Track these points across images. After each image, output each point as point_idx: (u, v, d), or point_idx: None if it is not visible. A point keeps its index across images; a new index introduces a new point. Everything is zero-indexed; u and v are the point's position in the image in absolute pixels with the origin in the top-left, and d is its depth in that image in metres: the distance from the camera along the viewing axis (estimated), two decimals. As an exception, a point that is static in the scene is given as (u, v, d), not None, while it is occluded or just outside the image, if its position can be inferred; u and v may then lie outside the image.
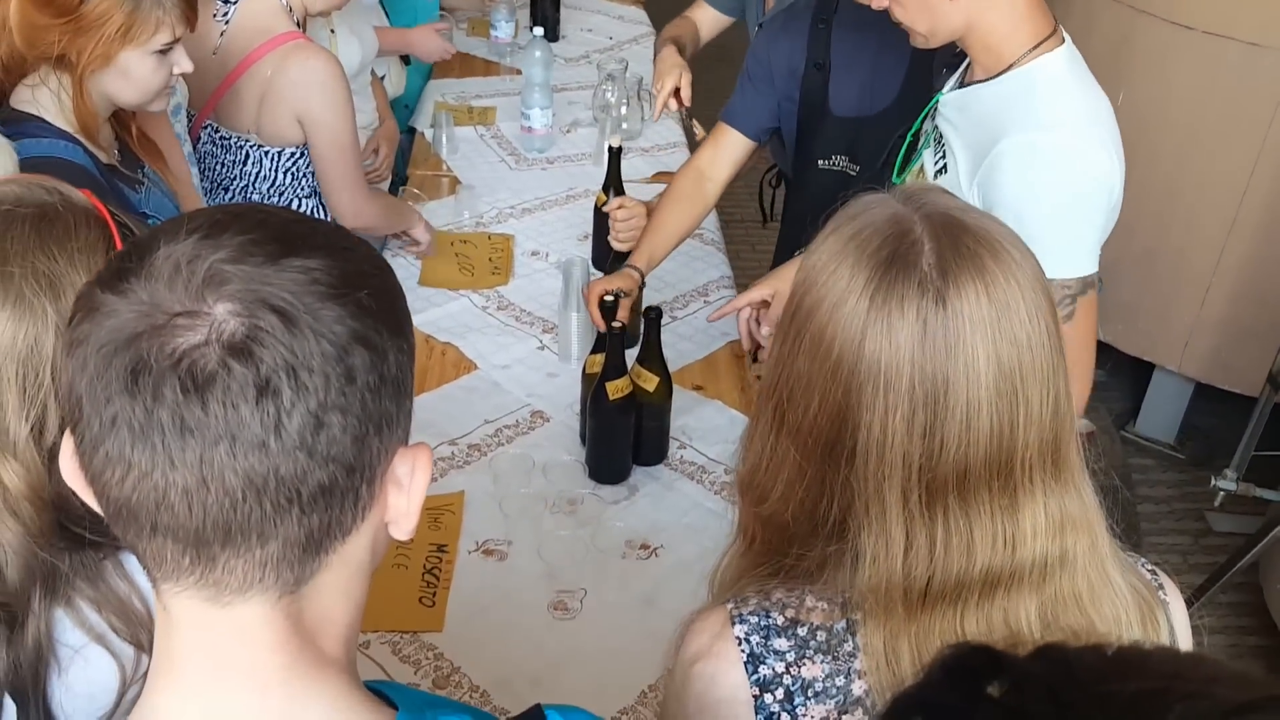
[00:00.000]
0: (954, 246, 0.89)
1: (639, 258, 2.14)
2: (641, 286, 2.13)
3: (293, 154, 2.29)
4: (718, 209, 2.45)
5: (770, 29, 2.22)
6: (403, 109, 3.32)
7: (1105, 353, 3.65)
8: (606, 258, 2.32)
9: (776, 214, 2.63)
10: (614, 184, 2.41)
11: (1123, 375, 3.79)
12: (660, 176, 2.96)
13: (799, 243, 2.12)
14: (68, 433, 0.67)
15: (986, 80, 1.54)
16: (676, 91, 2.57)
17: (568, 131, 3.18)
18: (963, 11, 1.49)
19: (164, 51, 1.68)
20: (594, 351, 1.96)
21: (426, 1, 3.53)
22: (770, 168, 2.72)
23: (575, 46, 3.84)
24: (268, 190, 2.32)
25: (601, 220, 2.46)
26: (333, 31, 2.58)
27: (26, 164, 1.43)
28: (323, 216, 2.35)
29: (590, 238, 2.55)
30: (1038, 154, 1.46)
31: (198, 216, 0.68)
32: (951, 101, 1.61)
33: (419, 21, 3.41)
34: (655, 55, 2.76)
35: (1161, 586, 1.03)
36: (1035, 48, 1.49)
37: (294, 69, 2.16)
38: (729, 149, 2.21)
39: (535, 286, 2.45)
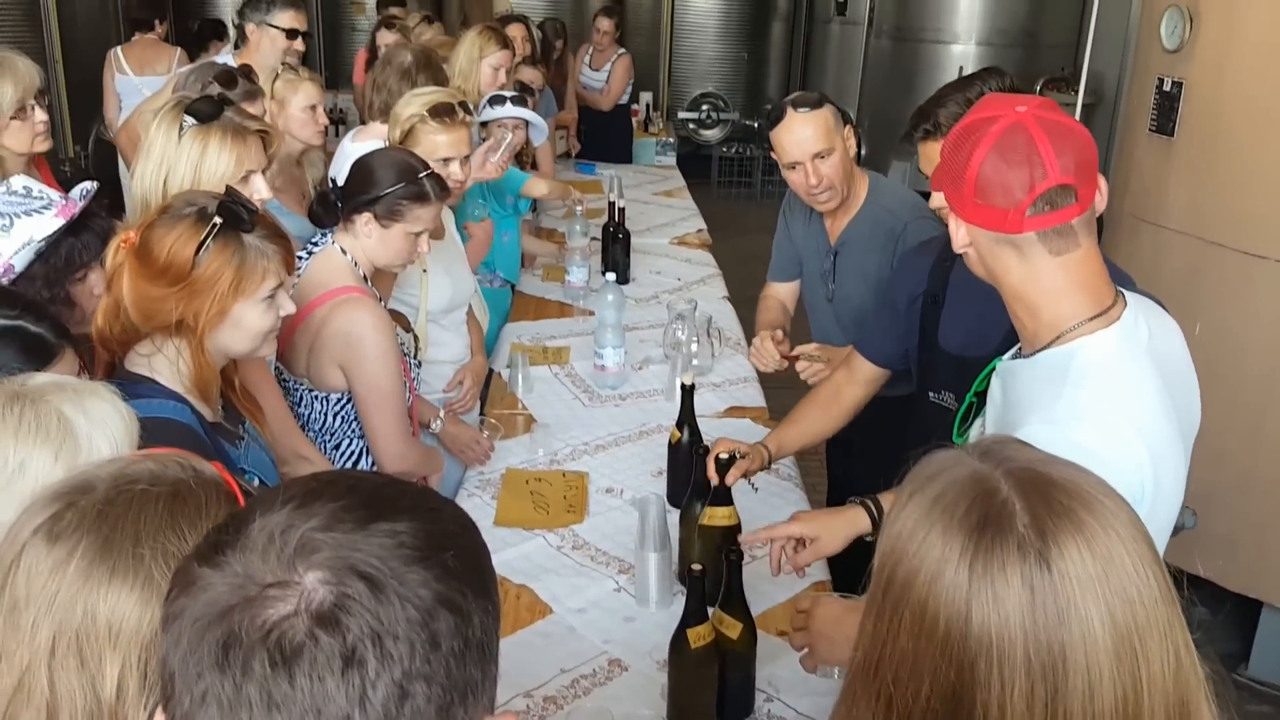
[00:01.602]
0: (1046, 503, 0.86)
1: (770, 439, 2.26)
2: (765, 467, 2.24)
3: (339, 399, 2.35)
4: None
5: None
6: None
7: (1207, 590, 3.45)
8: (683, 494, 2.28)
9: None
10: (688, 420, 2.42)
11: (1228, 613, 3.56)
12: (733, 411, 2.97)
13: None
14: (159, 711, 0.66)
15: (1029, 355, 1.46)
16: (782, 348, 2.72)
17: (639, 368, 3.23)
18: (1008, 271, 1.43)
19: (270, 297, 1.75)
20: (712, 503, 2.07)
21: (505, 247, 3.70)
22: None
23: (645, 288, 3.97)
24: (320, 431, 2.38)
25: (676, 456, 2.45)
26: (425, 271, 2.70)
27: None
28: (367, 459, 2.42)
29: (665, 474, 2.53)
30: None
31: (293, 486, 0.71)
32: (1000, 370, 1.54)
33: (496, 259, 3.59)
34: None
35: None
36: (1081, 325, 1.39)
37: (338, 320, 2.25)
38: (860, 372, 2.30)
39: (610, 525, 2.41)
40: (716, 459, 2.09)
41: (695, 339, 3.16)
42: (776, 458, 2.25)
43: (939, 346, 2.13)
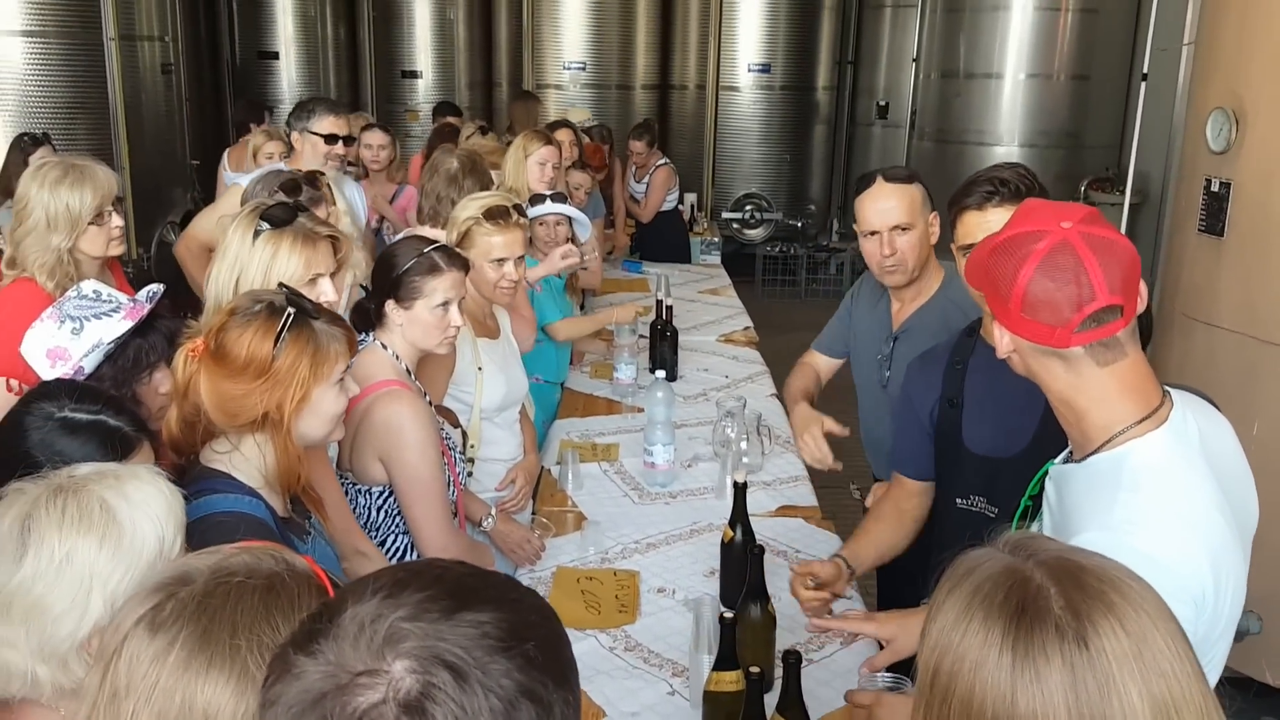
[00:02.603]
0: (1078, 587, 0.89)
1: (845, 551, 2.21)
2: (853, 576, 2.19)
3: (381, 492, 2.38)
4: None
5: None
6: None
7: (1277, 699, 3.33)
8: (737, 594, 2.26)
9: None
10: (740, 519, 2.40)
11: (1301, 724, 3.42)
12: (785, 510, 2.95)
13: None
14: None
15: (1080, 460, 1.45)
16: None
17: (689, 466, 3.23)
18: (1058, 379, 1.43)
19: (341, 379, 1.80)
20: (718, 667, 1.89)
21: (555, 350, 3.76)
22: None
23: (693, 385, 3.99)
24: (365, 527, 2.39)
25: (729, 556, 2.43)
26: (480, 369, 2.75)
27: (213, 520, 1.50)
28: (412, 554, 2.42)
29: (718, 574, 2.51)
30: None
31: (382, 576, 0.73)
32: (1054, 475, 1.53)
33: (545, 362, 3.64)
34: (788, 412, 2.96)
35: None
36: (1130, 428, 1.39)
37: (378, 412, 2.30)
38: (908, 487, 2.28)
39: (663, 625, 2.38)
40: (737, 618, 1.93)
41: (745, 437, 3.17)
42: (859, 572, 2.22)
43: (965, 449, 2.12)
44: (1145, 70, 5.03)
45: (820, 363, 3.09)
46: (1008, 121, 7.81)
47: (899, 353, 2.73)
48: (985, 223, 2.09)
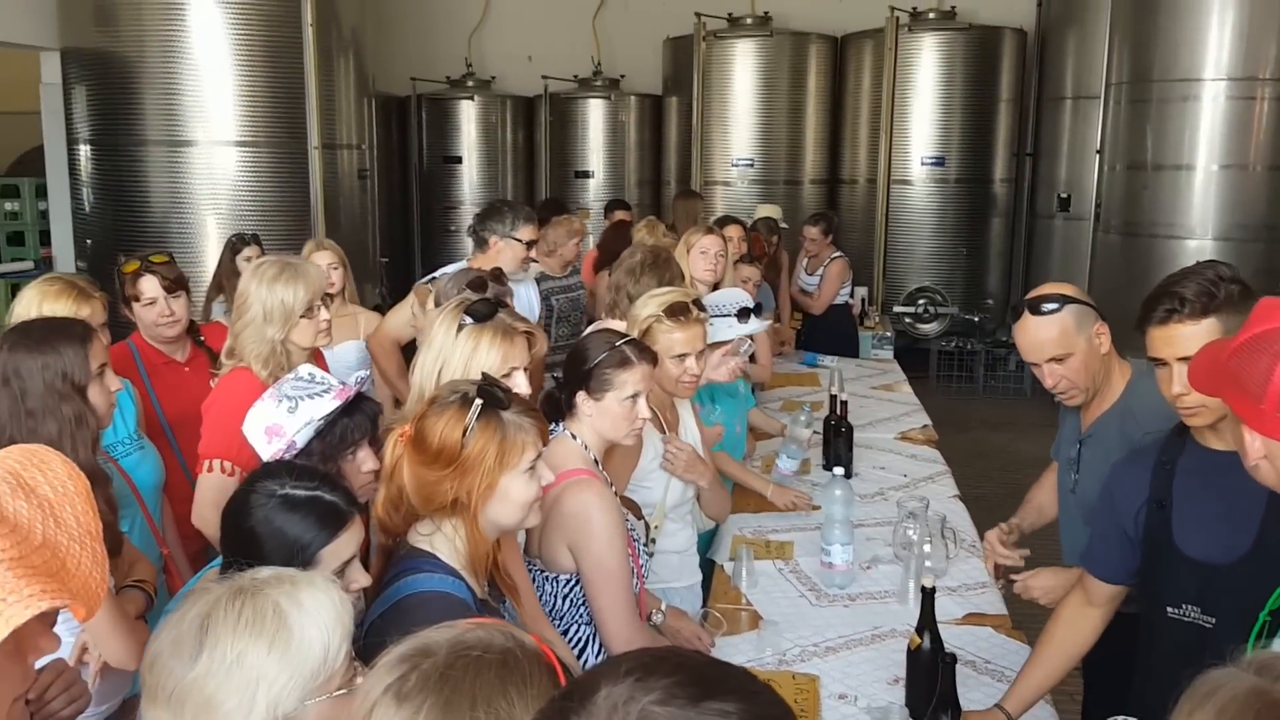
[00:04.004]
0: None
1: (1009, 699, 2.14)
2: None
3: (568, 580, 2.39)
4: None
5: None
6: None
7: None
8: (925, 706, 2.16)
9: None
10: (928, 625, 2.31)
11: None
12: (972, 618, 2.82)
13: (1158, 699, 1.95)
14: None
15: None
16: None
17: (867, 568, 3.13)
18: None
19: (531, 468, 1.85)
20: None
21: (732, 437, 3.73)
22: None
23: (869, 484, 3.89)
24: (550, 614, 2.41)
25: (917, 664, 2.33)
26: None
27: (417, 599, 1.55)
28: (594, 645, 2.42)
29: (903, 682, 2.41)
30: None
31: (630, 659, 0.76)
32: None
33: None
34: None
35: None
36: None
37: (568, 501, 2.32)
38: (1097, 594, 2.19)
39: (847, 735, 2.30)
40: None
41: (928, 539, 3.05)
42: (1019, 716, 2.15)
43: (1178, 553, 1.99)
44: (1358, 158, 4.74)
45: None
46: (1200, 214, 7.46)
47: (1085, 457, 2.62)
48: (1169, 338, 2.01)
